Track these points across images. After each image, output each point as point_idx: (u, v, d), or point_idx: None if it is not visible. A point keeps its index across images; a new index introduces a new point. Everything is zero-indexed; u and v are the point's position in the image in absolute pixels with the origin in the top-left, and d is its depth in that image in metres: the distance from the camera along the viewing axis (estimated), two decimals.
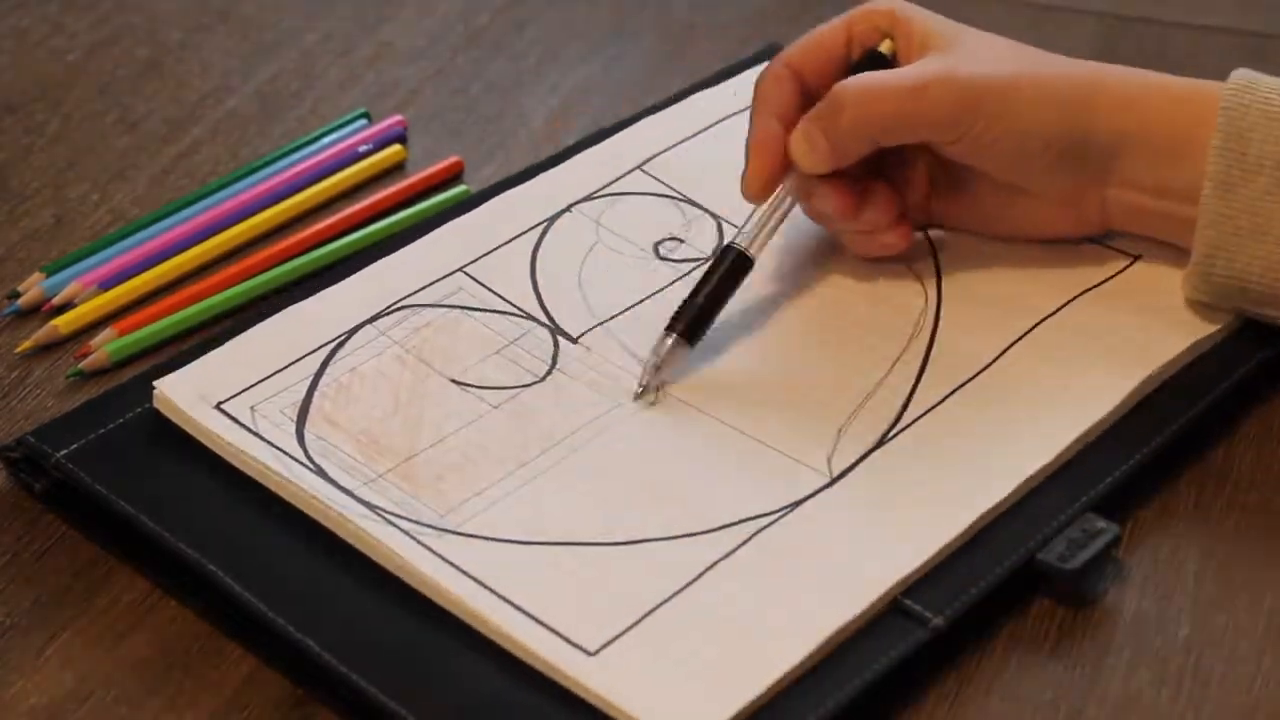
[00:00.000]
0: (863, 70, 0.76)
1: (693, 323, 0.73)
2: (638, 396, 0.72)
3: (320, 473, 0.69)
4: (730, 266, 0.75)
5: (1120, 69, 0.76)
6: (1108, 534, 0.66)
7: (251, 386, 0.72)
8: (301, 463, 0.69)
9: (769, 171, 0.76)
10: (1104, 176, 0.75)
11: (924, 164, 0.78)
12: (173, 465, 0.70)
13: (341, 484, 0.68)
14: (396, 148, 0.90)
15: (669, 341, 0.73)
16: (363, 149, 0.89)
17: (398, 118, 0.91)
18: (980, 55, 0.75)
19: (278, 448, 0.70)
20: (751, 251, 0.75)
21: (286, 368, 0.73)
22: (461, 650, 0.63)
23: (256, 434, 0.70)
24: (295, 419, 0.71)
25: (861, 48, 0.78)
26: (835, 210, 0.76)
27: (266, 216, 0.86)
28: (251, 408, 0.71)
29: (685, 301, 0.74)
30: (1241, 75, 0.74)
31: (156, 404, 0.72)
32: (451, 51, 0.98)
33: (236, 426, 0.71)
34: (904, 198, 0.78)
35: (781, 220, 0.76)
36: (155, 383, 0.72)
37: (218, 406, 0.71)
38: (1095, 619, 0.66)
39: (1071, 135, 0.74)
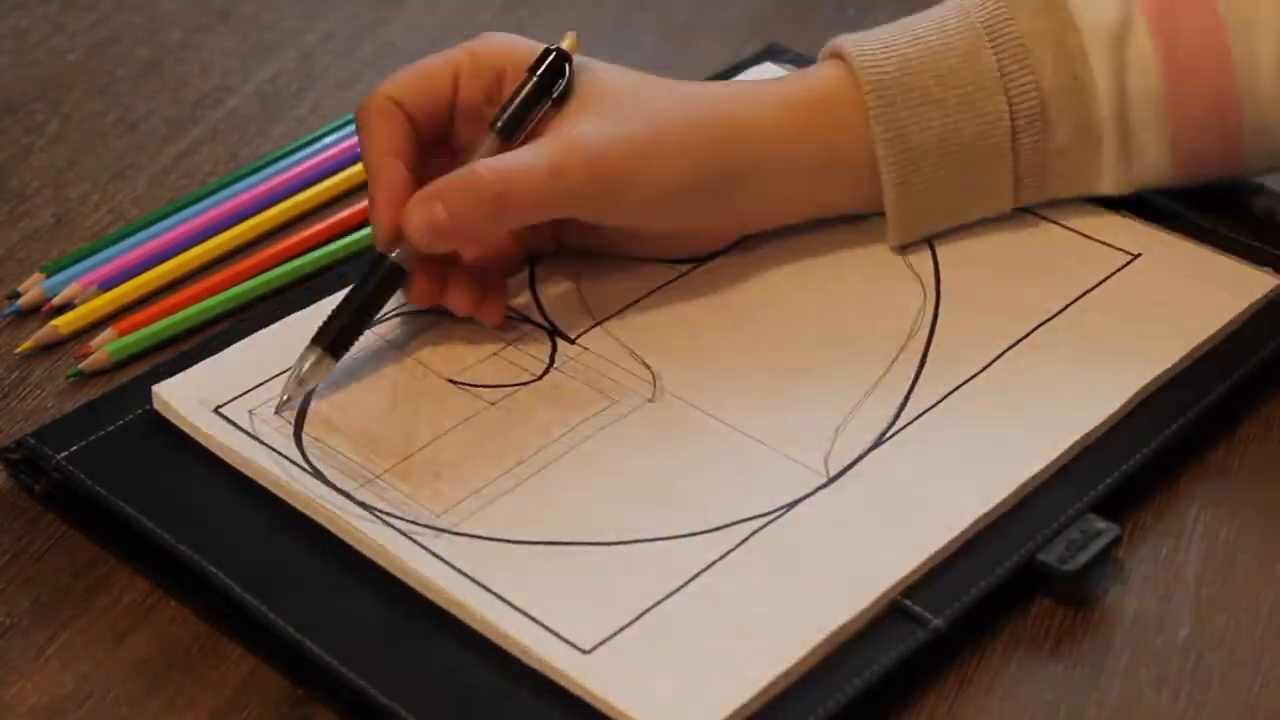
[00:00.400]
0: (544, 83, 0.73)
1: (339, 336, 0.71)
2: (278, 409, 0.71)
3: (318, 475, 0.69)
4: (382, 277, 0.72)
5: (752, 91, 0.77)
6: (1108, 535, 0.66)
7: (249, 391, 0.72)
8: (300, 465, 0.69)
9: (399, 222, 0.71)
10: (742, 201, 0.76)
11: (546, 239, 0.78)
12: (172, 466, 0.71)
13: (339, 486, 0.68)
14: None
15: (312, 357, 0.71)
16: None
17: None
18: (612, 116, 0.73)
19: (276, 451, 0.70)
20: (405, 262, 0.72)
21: (284, 372, 0.73)
22: (460, 649, 0.63)
23: (255, 438, 0.70)
24: (293, 422, 0.71)
25: (471, 89, 0.74)
26: (414, 295, 0.73)
27: (267, 217, 0.86)
28: (250, 412, 0.72)
29: (334, 313, 0.72)
30: (858, 58, 0.76)
31: (155, 408, 0.72)
32: None
33: (235, 430, 0.71)
34: (511, 255, 0.77)
35: None
36: (154, 388, 0.72)
37: (216, 411, 0.71)
38: (1095, 619, 0.66)
39: (710, 179, 0.74)
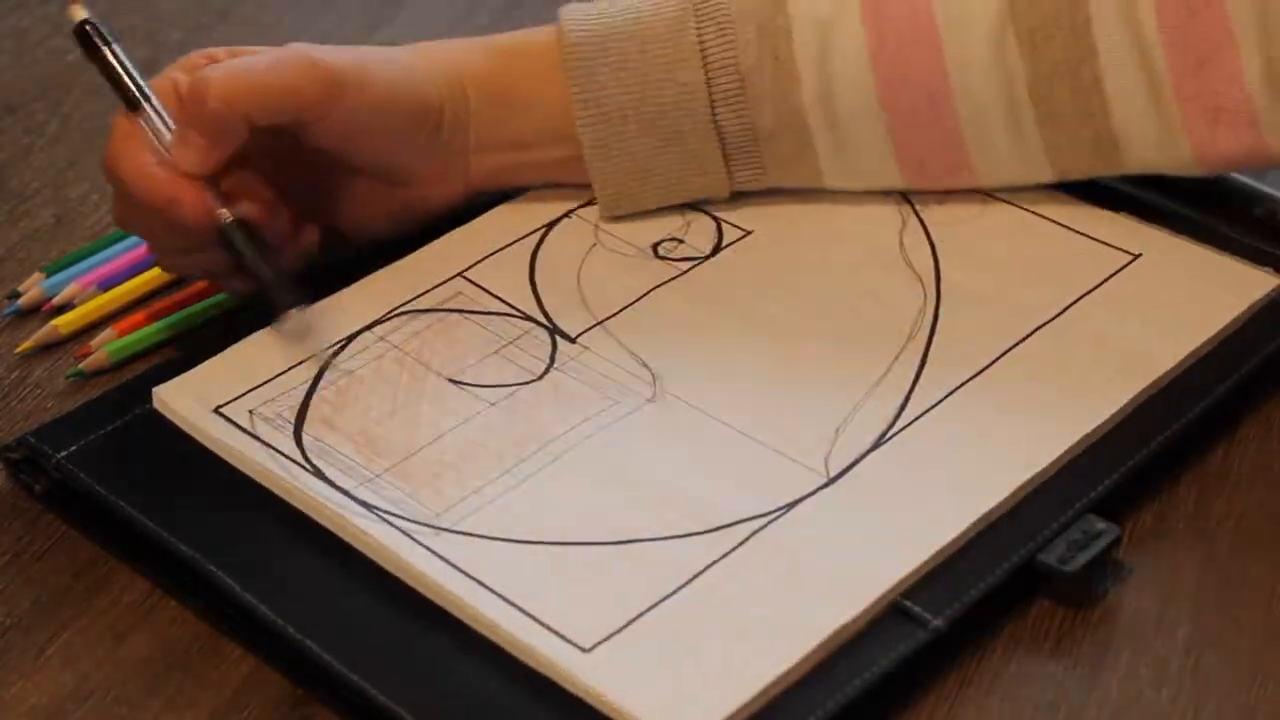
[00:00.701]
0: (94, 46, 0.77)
1: (279, 295, 0.74)
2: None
3: (318, 474, 0.69)
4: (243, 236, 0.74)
5: (474, 40, 0.80)
6: (1108, 535, 0.66)
7: (250, 391, 0.72)
8: (300, 464, 0.69)
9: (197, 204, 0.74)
10: (464, 144, 0.78)
11: (297, 169, 0.78)
12: (172, 466, 0.71)
13: (339, 484, 0.68)
14: None
15: (289, 322, 0.74)
16: None
17: None
18: (329, 48, 0.77)
19: (276, 450, 0.70)
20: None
21: (284, 373, 0.73)
22: (459, 649, 0.63)
23: (255, 437, 0.70)
24: (293, 422, 0.71)
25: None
26: (258, 211, 0.75)
27: None
28: (250, 412, 0.72)
29: (262, 290, 0.74)
30: (566, 20, 0.78)
31: (155, 399, 0.72)
32: None
33: (235, 430, 0.71)
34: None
35: None
36: (154, 389, 0.72)
37: (216, 411, 0.72)
38: (1095, 619, 0.66)
39: (429, 109, 0.77)
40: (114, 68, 0.76)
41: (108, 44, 0.77)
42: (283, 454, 0.70)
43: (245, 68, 0.75)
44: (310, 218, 0.78)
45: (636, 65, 0.77)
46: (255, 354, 0.74)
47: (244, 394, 0.72)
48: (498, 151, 0.80)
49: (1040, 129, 0.77)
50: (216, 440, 0.70)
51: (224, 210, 0.74)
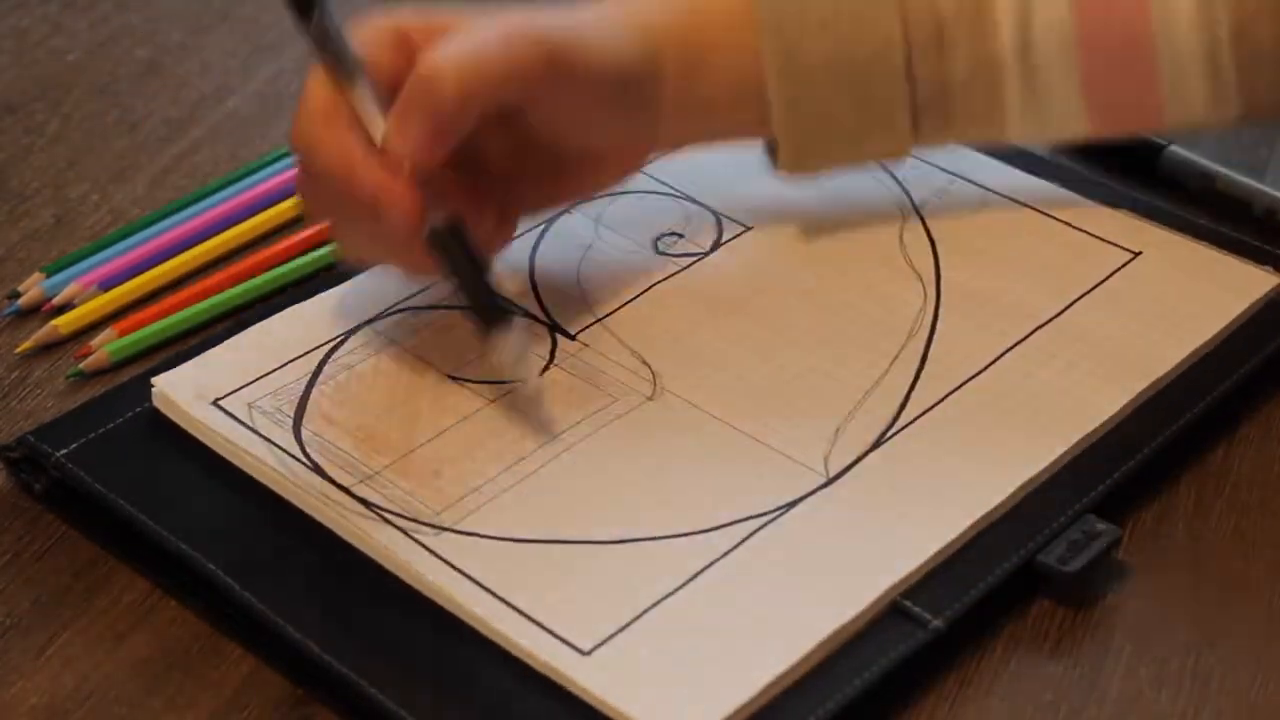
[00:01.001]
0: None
1: (488, 312, 0.69)
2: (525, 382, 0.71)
3: (317, 469, 0.69)
4: (450, 243, 0.69)
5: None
6: (1108, 536, 0.66)
7: (249, 384, 0.73)
8: (298, 459, 0.69)
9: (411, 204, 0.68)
10: (658, 110, 0.74)
11: (495, 154, 0.73)
12: (173, 465, 0.71)
13: (338, 481, 0.68)
14: None
15: (505, 340, 0.70)
16: None
17: None
18: (543, 15, 0.71)
19: (275, 444, 0.70)
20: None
21: (284, 366, 0.73)
22: (460, 649, 0.63)
23: (254, 430, 0.70)
24: (292, 416, 0.71)
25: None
26: (468, 211, 0.70)
27: (267, 217, 0.85)
28: (249, 404, 0.72)
29: (469, 304, 0.70)
30: None
31: (155, 400, 0.72)
32: None
33: (234, 423, 0.71)
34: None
35: None
36: (153, 379, 0.72)
37: (215, 403, 0.72)
38: (1095, 619, 0.66)
39: (638, 77, 0.73)
40: (328, 32, 0.69)
41: (319, 5, 0.69)
42: (281, 448, 0.70)
43: (478, 51, 0.68)
44: (495, 204, 0.73)
45: (829, 19, 0.74)
46: (256, 347, 0.74)
47: (243, 387, 0.72)
48: (687, 115, 0.75)
49: (1238, 71, 0.75)
50: (215, 433, 0.70)
51: (436, 212, 0.67)
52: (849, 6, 0.75)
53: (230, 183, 0.87)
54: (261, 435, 0.70)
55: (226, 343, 0.75)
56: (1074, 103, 0.77)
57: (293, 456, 0.69)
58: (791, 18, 0.75)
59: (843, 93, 0.75)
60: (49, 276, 0.82)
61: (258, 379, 0.73)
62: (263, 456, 0.69)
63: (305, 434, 0.70)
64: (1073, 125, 0.78)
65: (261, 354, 0.74)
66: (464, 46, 0.68)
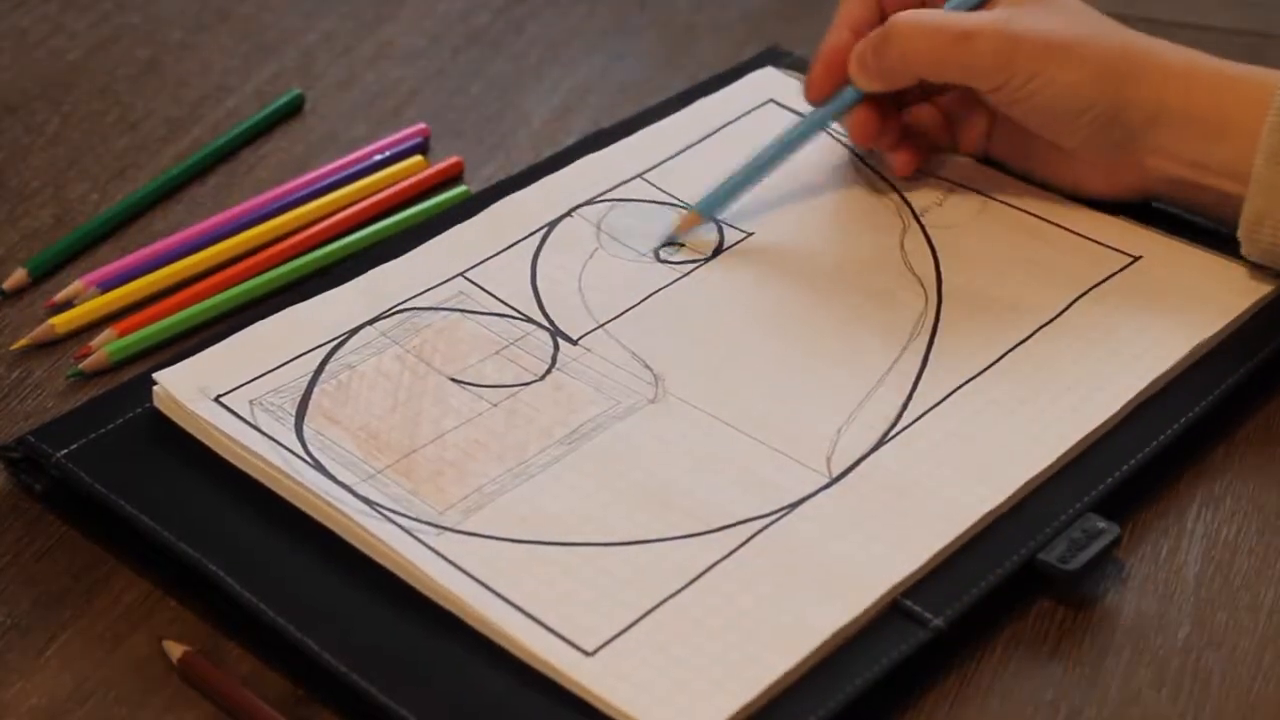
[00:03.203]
0: None
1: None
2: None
3: (319, 467, 0.69)
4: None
5: (1179, 48, 0.79)
6: (1108, 535, 0.67)
7: (251, 381, 0.72)
8: (300, 457, 0.69)
9: (826, 79, 0.81)
10: (1141, 145, 0.77)
11: (984, 102, 0.81)
12: (173, 465, 0.71)
13: (340, 479, 0.68)
14: (417, 159, 0.89)
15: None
16: (378, 157, 0.89)
17: (420, 125, 0.91)
18: (1042, 14, 0.78)
19: (276, 441, 0.70)
20: None
21: (286, 364, 0.73)
22: (460, 649, 0.63)
23: (255, 427, 0.70)
24: (294, 414, 0.71)
25: None
26: (852, 127, 0.82)
27: (272, 226, 0.85)
28: (251, 402, 0.72)
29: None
30: None
31: (156, 397, 0.72)
32: (451, 51, 0.98)
33: (235, 420, 0.71)
34: (950, 129, 0.83)
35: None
36: (155, 375, 0.72)
37: (217, 400, 0.71)
38: (1095, 619, 0.66)
39: (1108, 103, 0.77)
40: None
41: None
42: (284, 446, 0.70)
43: (935, 31, 0.78)
44: (976, 143, 0.83)
45: None
46: (257, 345, 0.74)
47: (246, 383, 0.72)
48: (1179, 165, 0.77)
49: None
50: (216, 429, 0.70)
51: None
52: None
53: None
54: (263, 432, 0.70)
55: (228, 341, 0.75)
56: None
57: (294, 454, 0.69)
58: None
59: None
60: (32, 273, 0.82)
61: (260, 376, 0.73)
62: (264, 453, 0.69)
63: (307, 432, 0.70)
64: None
65: (263, 352, 0.74)
66: (924, 24, 0.78)
